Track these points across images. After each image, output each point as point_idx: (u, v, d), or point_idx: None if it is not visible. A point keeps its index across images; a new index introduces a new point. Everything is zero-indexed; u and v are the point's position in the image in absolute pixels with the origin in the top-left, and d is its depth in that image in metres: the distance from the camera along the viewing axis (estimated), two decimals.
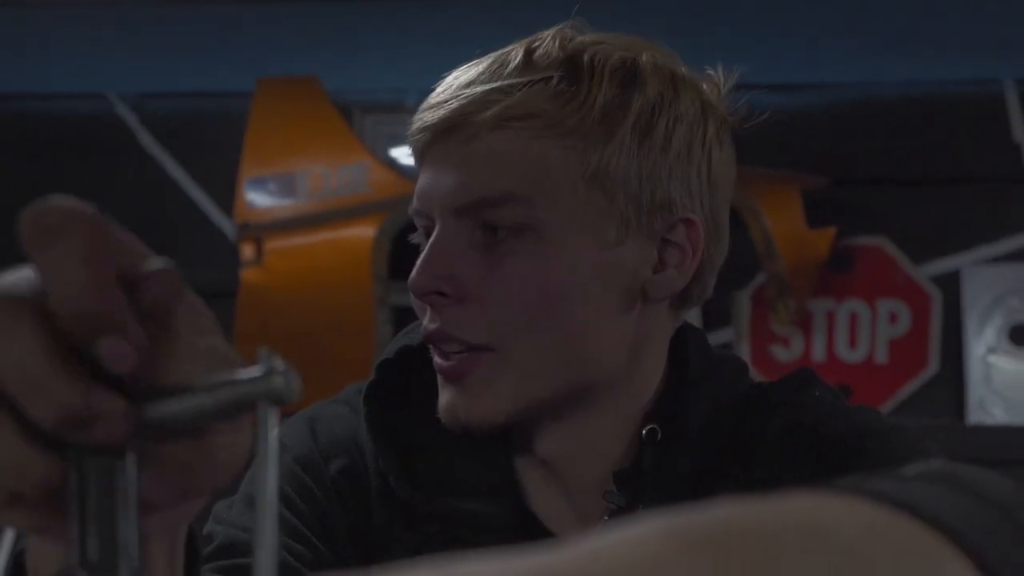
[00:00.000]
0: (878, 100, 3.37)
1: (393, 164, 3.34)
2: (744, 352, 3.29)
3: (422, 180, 0.76)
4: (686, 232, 0.76)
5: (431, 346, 0.75)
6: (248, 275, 3.12)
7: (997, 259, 3.25)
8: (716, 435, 0.77)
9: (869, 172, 3.31)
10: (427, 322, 0.74)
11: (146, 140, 3.52)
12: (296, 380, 0.37)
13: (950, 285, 3.26)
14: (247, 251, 3.14)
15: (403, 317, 3.04)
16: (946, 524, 0.31)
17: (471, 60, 0.86)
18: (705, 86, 0.81)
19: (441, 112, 0.74)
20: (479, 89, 0.74)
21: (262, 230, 3.17)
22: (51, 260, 0.37)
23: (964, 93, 3.30)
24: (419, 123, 0.77)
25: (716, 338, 3.30)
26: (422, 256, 0.73)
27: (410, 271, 0.76)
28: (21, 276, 0.39)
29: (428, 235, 0.75)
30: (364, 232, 3.16)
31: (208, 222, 3.42)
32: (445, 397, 0.75)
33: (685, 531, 0.28)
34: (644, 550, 0.27)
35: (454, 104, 0.74)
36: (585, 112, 0.73)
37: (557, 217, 0.72)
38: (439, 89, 0.77)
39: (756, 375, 0.87)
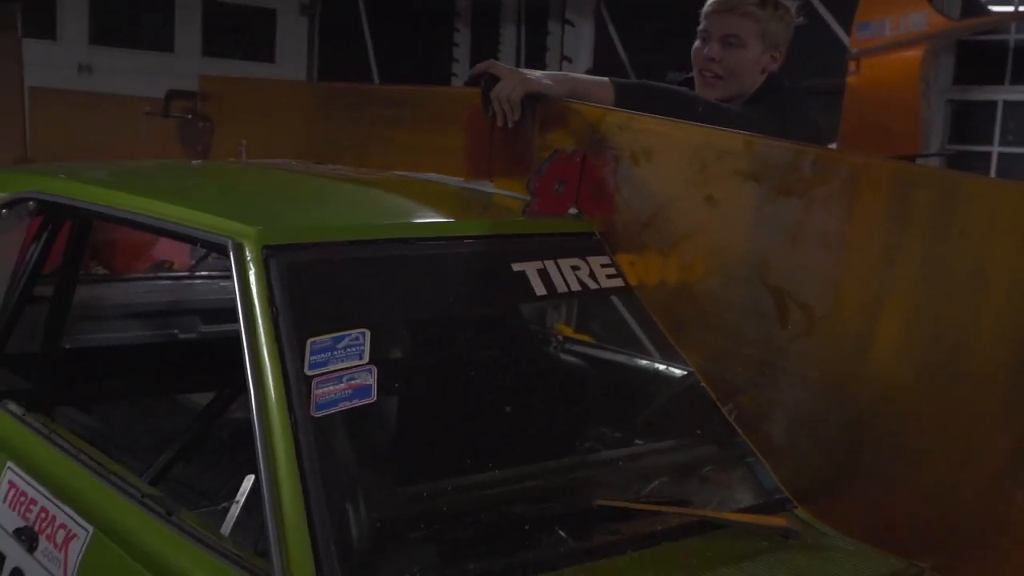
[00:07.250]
0: None
1: (941, 11, 4.83)
2: None
3: (707, 25, 2.08)
4: (776, 54, 2.11)
5: (703, 74, 2.08)
6: (851, 80, 4.86)
7: None
8: None
9: None
10: (707, 65, 2.06)
11: None
12: None
13: None
14: (852, 66, 4.87)
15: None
16: (616, 82, 1.94)
17: None
18: None
19: (720, 4, 2.07)
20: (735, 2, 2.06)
21: (862, 55, 4.85)
22: (500, 69, 1.89)
23: None
24: (711, 6, 2.08)
25: None
26: (711, 47, 2.06)
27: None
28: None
29: (705, 41, 2.07)
30: (916, 53, 4.76)
31: (839, 42, 5.13)
32: (704, 90, 2.07)
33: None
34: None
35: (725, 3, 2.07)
36: (765, 13, 2.06)
37: (751, 42, 2.05)
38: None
39: None
